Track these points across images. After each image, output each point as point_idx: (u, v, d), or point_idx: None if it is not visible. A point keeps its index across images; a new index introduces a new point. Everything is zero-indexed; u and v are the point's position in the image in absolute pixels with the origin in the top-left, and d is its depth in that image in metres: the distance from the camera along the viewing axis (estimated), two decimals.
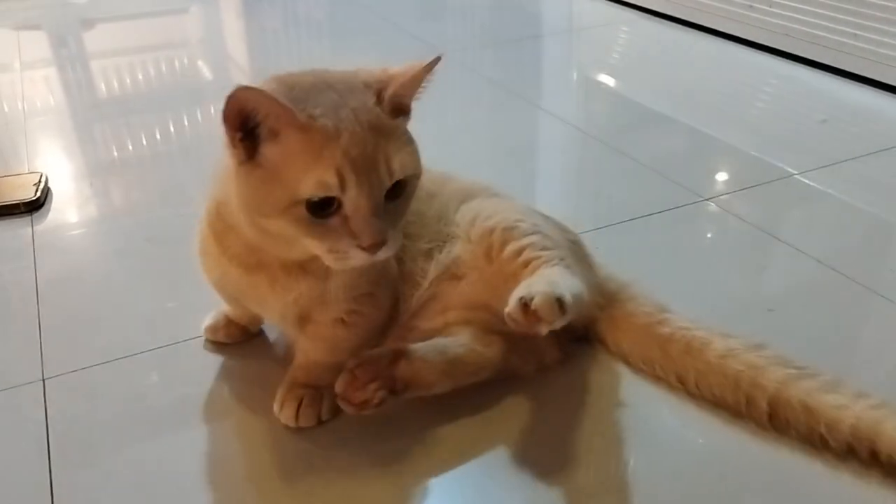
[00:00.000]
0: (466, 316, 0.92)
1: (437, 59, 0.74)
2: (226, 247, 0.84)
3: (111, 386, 0.97)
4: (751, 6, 2.10)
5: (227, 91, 0.68)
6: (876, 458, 0.80)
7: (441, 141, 1.61)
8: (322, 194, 0.70)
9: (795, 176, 1.45)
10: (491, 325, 0.89)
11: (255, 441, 0.88)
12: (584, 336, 0.99)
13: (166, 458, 0.87)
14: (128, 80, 2.16)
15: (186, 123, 1.89)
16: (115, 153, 1.71)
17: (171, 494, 0.82)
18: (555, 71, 2.20)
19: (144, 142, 1.75)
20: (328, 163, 0.69)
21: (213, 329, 1.03)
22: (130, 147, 1.73)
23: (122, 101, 2.05)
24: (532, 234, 0.91)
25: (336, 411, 0.88)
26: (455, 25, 2.64)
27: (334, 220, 0.72)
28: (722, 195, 1.40)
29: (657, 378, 0.94)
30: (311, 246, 0.74)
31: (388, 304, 0.92)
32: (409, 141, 0.76)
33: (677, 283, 1.12)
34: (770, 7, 2.05)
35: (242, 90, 0.68)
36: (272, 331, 1.05)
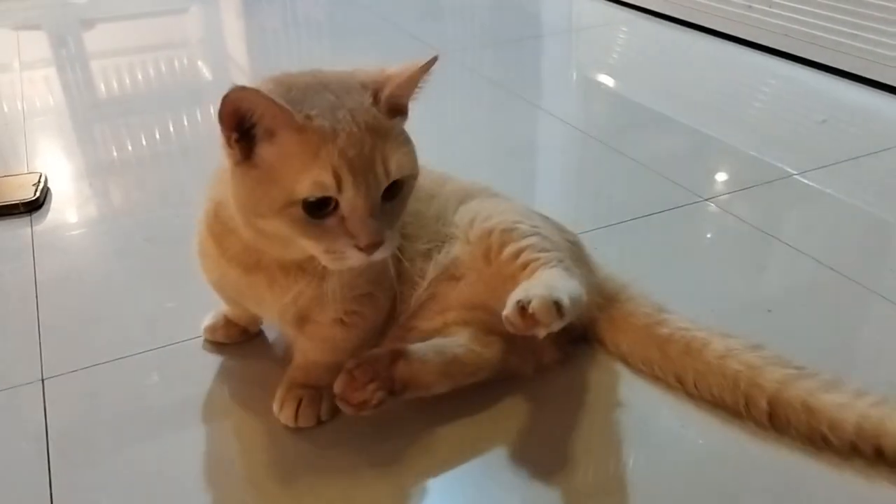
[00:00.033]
0: (465, 316, 0.92)
1: (434, 59, 0.74)
2: (225, 248, 0.84)
3: (110, 386, 0.97)
4: (750, 6, 2.10)
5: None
6: (881, 456, 0.80)
7: (441, 141, 1.62)
8: (319, 194, 0.70)
9: (795, 176, 1.45)
10: (490, 325, 0.89)
11: (255, 441, 0.88)
12: (583, 336, 0.99)
13: (166, 457, 0.87)
14: (127, 81, 2.16)
15: (186, 124, 1.89)
16: (115, 153, 1.71)
17: (171, 494, 0.82)
18: (554, 71, 2.20)
19: (144, 142, 1.75)
20: (325, 163, 0.69)
21: (212, 329, 1.03)
22: (130, 147, 1.73)
23: (121, 101, 2.05)
24: (531, 235, 0.91)
25: (335, 411, 0.88)
26: (455, 25, 2.64)
27: (331, 221, 0.72)
28: (721, 195, 1.40)
29: (656, 378, 0.94)
30: (308, 246, 0.74)
31: (387, 304, 0.92)
32: (406, 141, 0.76)
33: (676, 284, 1.12)
34: (769, 7, 2.05)
35: (238, 90, 0.68)
36: (271, 331, 1.05)
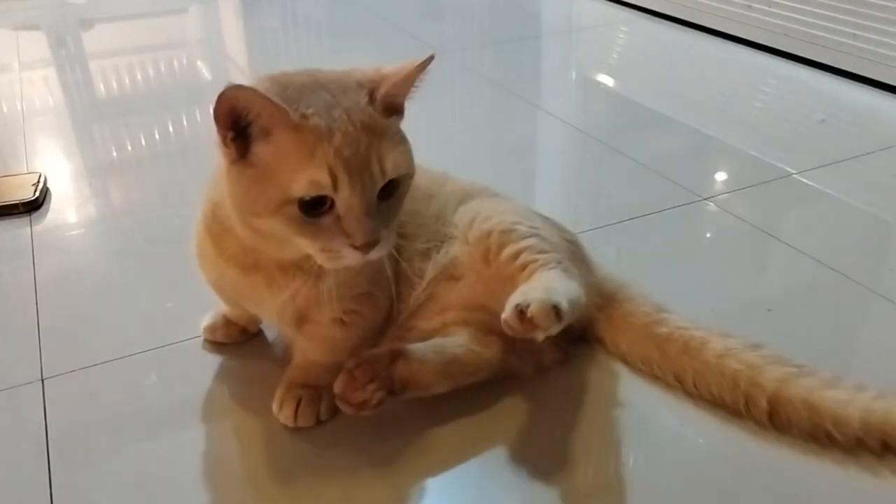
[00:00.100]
0: (464, 316, 0.92)
1: (430, 59, 0.74)
2: (223, 248, 0.84)
3: (110, 386, 0.97)
4: (749, 6, 2.10)
5: None
6: (888, 449, 0.81)
7: (441, 141, 1.62)
8: (314, 193, 0.70)
9: (794, 176, 1.45)
10: (489, 325, 0.89)
11: (254, 441, 0.88)
12: (582, 336, 0.99)
13: (165, 457, 0.87)
14: (127, 81, 2.16)
15: (185, 124, 1.89)
16: (114, 153, 1.71)
17: (170, 494, 0.82)
18: (554, 71, 2.20)
19: (143, 142, 1.75)
20: (321, 162, 0.69)
21: (211, 329, 1.03)
22: (129, 147, 1.73)
23: (121, 101, 2.06)
24: (529, 236, 0.91)
25: (335, 411, 0.88)
26: (455, 25, 2.64)
27: (327, 220, 0.72)
28: (721, 195, 1.40)
29: (655, 378, 0.94)
30: (304, 245, 0.74)
31: (385, 303, 0.92)
32: (402, 140, 0.76)
33: (676, 283, 1.12)
34: (769, 7, 2.05)
35: (233, 89, 0.68)
36: (271, 331, 1.05)
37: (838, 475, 0.81)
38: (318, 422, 0.89)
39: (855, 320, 1.08)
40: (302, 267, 0.82)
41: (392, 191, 0.75)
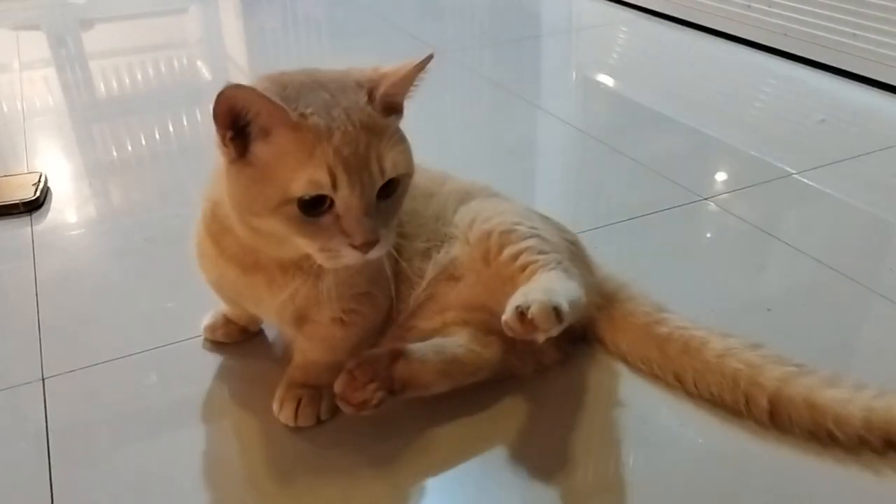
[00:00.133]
0: (464, 316, 0.92)
1: (429, 58, 0.74)
2: (223, 247, 0.84)
3: (110, 385, 0.97)
4: (749, 6, 2.11)
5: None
6: (891, 446, 0.81)
7: (441, 140, 1.62)
8: (314, 193, 0.70)
9: (794, 175, 1.45)
10: (489, 325, 0.89)
11: (254, 440, 0.88)
12: (582, 336, 0.99)
13: (165, 457, 0.87)
14: (127, 81, 2.16)
15: (185, 124, 1.89)
16: (115, 153, 1.71)
17: (170, 494, 0.82)
18: (554, 71, 2.20)
19: (143, 142, 1.75)
20: (320, 161, 0.69)
21: (211, 328, 1.03)
22: (129, 147, 1.73)
23: (121, 101, 2.06)
24: (530, 237, 0.91)
25: (335, 411, 0.88)
26: (455, 25, 2.64)
27: (326, 219, 0.72)
28: (721, 195, 1.40)
29: (655, 377, 0.94)
30: (303, 245, 0.74)
31: (385, 303, 0.92)
32: (402, 140, 0.76)
33: (676, 283, 1.12)
34: (769, 7, 2.05)
35: (232, 88, 0.68)
36: (271, 330, 1.05)
37: (840, 474, 0.81)
38: (319, 421, 0.89)
39: (855, 320, 1.08)
40: (301, 266, 0.82)
41: (391, 190, 0.75)
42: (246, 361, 1.01)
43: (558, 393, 0.93)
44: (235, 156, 0.72)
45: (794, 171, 1.46)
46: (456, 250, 0.94)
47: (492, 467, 0.84)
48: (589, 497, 0.81)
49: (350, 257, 0.73)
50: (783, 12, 2.02)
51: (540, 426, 0.89)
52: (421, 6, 2.82)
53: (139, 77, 2.19)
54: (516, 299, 0.78)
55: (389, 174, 0.73)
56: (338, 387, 0.83)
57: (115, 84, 2.14)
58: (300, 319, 0.89)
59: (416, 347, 0.87)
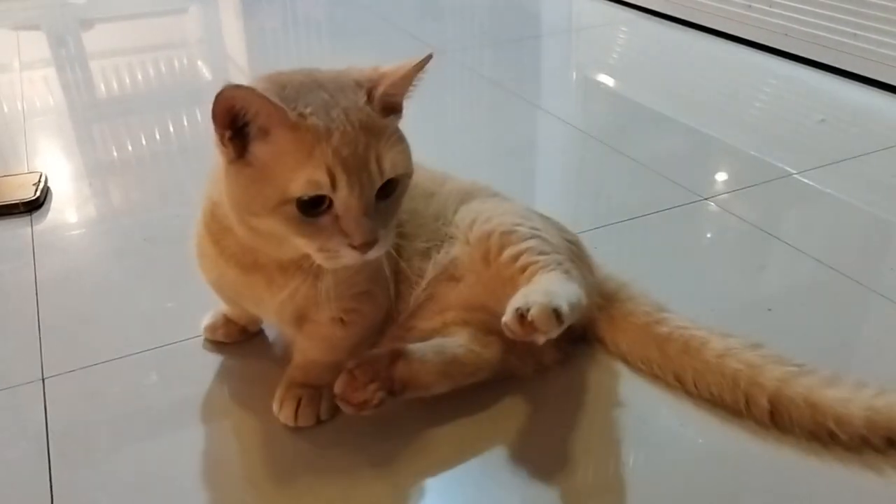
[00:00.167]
0: (465, 316, 0.92)
1: (429, 58, 0.74)
2: (222, 247, 0.84)
3: (110, 385, 0.97)
4: (749, 6, 2.11)
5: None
6: (892, 445, 0.81)
7: (441, 140, 1.62)
8: (313, 193, 0.70)
9: (795, 175, 1.45)
10: (489, 325, 0.89)
11: (254, 440, 0.88)
12: (582, 336, 0.99)
13: (165, 457, 0.87)
14: (127, 81, 2.16)
15: (186, 123, 1.89)
16: (115, 153, 1.71)
17: (170, 493, 0.82)
18: (554, 71, 2.20)
19: (144, 142, 1.75)
20: (319, 162, 0.69)
21: (211, 328, 1.03)
22: (130, 147, 1.73)
23: (121, 101, 2.06)
24: (530, 238, 0.91)
25: (335, 411, 0.88)
26: (455, 25, 2.64)
27: (325, 219, 0.72)
28: (721, 195, 1.40)
29: (655, 377, 0.94)
30: (302, 245, 0.74)
31: (386, 302, 0.92)
32: (400, 140, 0.76)
33: (676, 283, 1.12)
34: (769, 7, 2.05)
35: (231, 89, 0.68)
36: (271, 330, 1.05)
37: (841, 474, 0.81)
38: (319, 421, 0.89)
39: (855, 320, 1.08)
40: (301, 266, 0.82)
41: (390, 190, 0.75)
42: (246, 361, 1.01)
43: (558, 393, 0.93)
44: (234, 156, 0.72)
45: (794, 171, 1.46)
46: (456, 250, 0.94)
47: (492, 467, 0.84)
48: (589, 497, 0.81)
49: (349, 257, 0.73)
50: (783, 12, 2.02)
51: (540, 426, 0.89)
52: (421, 6, 2.82)
53: (139, 77, 2.19)
54: (516, 301, 0.78)
55: (388, 174, 0.73)
56: (338, 387, 0.83)
57: (115, 84, 2.14)
58: (300, 319, 0.89)
59: (417, 348, 0.87)
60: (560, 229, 1.01)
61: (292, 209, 0.71)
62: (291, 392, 0.89)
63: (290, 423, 0.88)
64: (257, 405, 0.92)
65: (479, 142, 1.70)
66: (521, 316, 0.76)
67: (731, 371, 0.87)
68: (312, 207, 0.71)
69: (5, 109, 1.94)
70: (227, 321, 1.03)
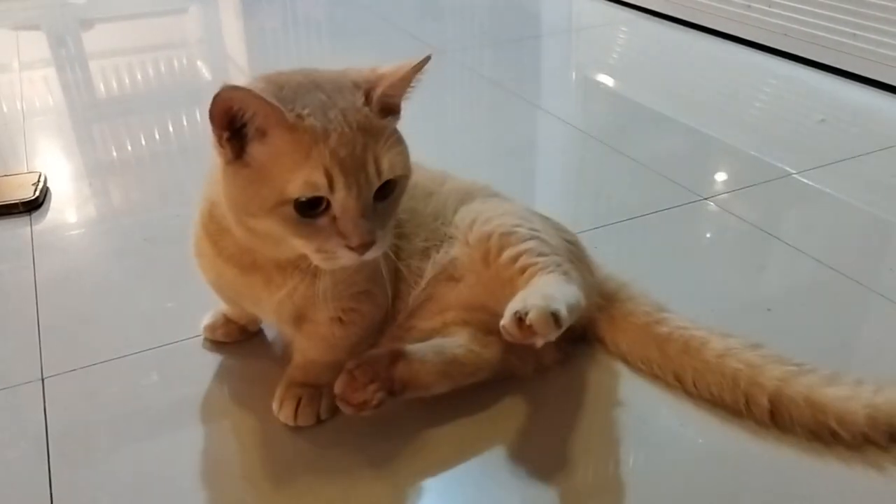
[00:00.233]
0: (464, 317, 0.92)
1: (427, 59, 0.74)
2: (221, 248, 0.84)
3: (110, 385, 0.97)
4: (749, 6, 2.11)
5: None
6: (894, 441, 0.81)
7: (441, 140, 1.62)
8: (310, 194, 0.70)
9: (794, 175, 1.45)
10: (489, 325, 0.89)
11: (254, 440, 0.88)
12: (582, 336, 0.99)
13: (165, 457, 0.87)
14: (127, 81, 2.16)
15: (185, 124, 1.89)
16: (114, 153, 1.71)
17: (170, 493, 0.82)
18: (554, 71, 2.20)
19: (143, 142, 1.75)
20: (316, 163, 0.69)
21: (211, 328, 1.03)
22: (129, 147, 1.73)
23: (120, 101, 2.06)
24: (529, 239, 0.91)
25: (335, 410, 0.88)
26: (455, 25, 2.64)
27: (323, 220, 0.72)
28: (721, 194, 1.40)
29: (655, 377, 0.94)
30: (299, 245, 0.74)
31: (385, 302, 0.92)
32: (399, 141, 0.76)
33: (676, 283, 1.12)
34: (769, 7, 2.05)
35: (229, 89, 0.68)
36: (271, 330, 1.05)
37: (842, 473, 0.81)
38: (319, 421, 0.89)
39: (855, 320, 1.08)
40: (299, 266, 0.82)
41: (388, 192, 0.75)
42: (246, 361, 1.01)
43: (558, 393, 0.93)
44: (232, 157, 0.72)
45: (794, 171, 1.46)
46: (455, 251, 0.94)
47: (492, 467, 0.84)
48: (589, 497, 0.81)
49: (346, 258, 0.73)
50: (783, 12, 2.02)
51: (540, 426, 0.89)
52: (421, 6, 2.82)
53: (139, 77, 2.19)
54: (515, 305, 0.78)
55: (386, 176, 0.73)
56: (338, 387, 0.83)
57: (115, 84, 2.14)
58: (299, 319, 0.89)
59: (416, 348, 0.87)
60: (559, 230, 1.01)
61: (290, 210, 0.71)
62: (291, 391, 0.89)
63: (290, 422, 0.88)
64: (257, 405, 0.92)
65: (479, 142, 1.70)
66: (520, 320, 0.76)
67: (731, 371, 0.87)
68: (310, 209, 0.71)
69: (5, 109, 1.94)
70: (227, 321, 1.03)
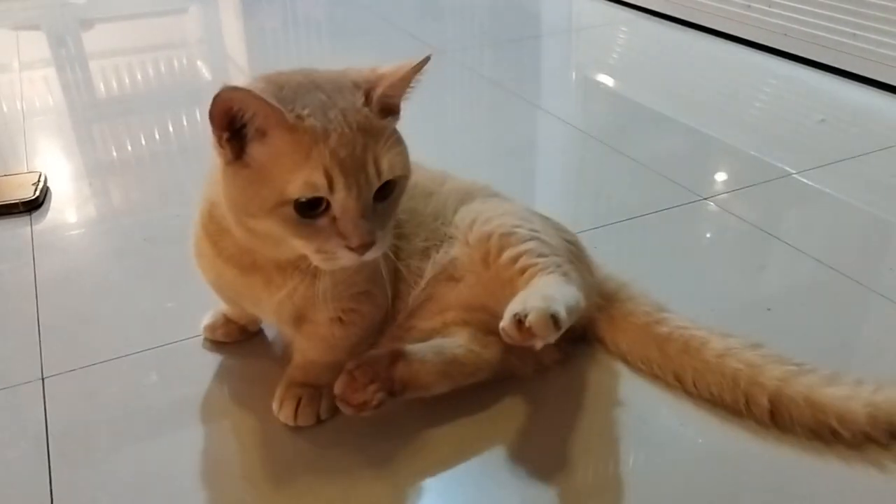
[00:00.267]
0: (464, 317, 0.92)
1: (427, 59, 0.74)
2: (221, 248, 0.84)
3: (110, 385, 0.97)
4: (749, 6, 2.11)
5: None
6: (895, 438, 0.81)
7: (441, 141, 1.62)
8: (310, 195, 0.70)
9: (794, 175, 1.45)
10: (489, 325, 0.89)
11: (254, 440, 0.88)
12: (582, 336, 0.99)
13: (165, 456, 0.87)
14: (127, 81, 2.16)
15: (185, 124, 1.89)
16: (114, 153, 1.71)
17: (170, 493, 0.82)
18: (554, 71, 2.20)
19: (143, 142, 1.75)
20: (316, 163, 0.69)
21: (211, 328, 1.03)
22: (129, 147, 1.73)
23: (121, 101, 2.06)
24: (529, 240, 0.91)
25: (334, 410, 0.88)
26: (455, 25, 2.64)
27: (322, 221, 0.72)
28: (721, 194, 1.40)
29: (655, 377, 0.94)
30: (299, 246, 0.74)
31: (384, 302, 0.92)
32: (398, 141, 0.76)
33: (676, 283, 1.12)
34: (769, 7, 2.05)
35: (229, 90, 0.68)
36: (271, 330, 1.05)
37: (843, 472, 0.81)
38: (319, 421, 0.89)
39: (855, 320, 1.08)
40: (299, 266, 0.82)
41: (388, 192, 0.75)
42: (246, 361, 1.01)
43: (558, 393, 0.93)
44: (232, 157, 0.72)
45: (794, 171, 1.46)
46: (455, 251, 0.94)
47: (492, 467, 0.84)
48: (589, 497, 0.81)
49: (346, 259, 0.73)
50: (783, 12, 2.02)
51: (540, 426, 0.89)
52: (421, 6, 2.82)
53: (139, 77, 2.19)
54: (514, 306, 0.78)
55: (386, 176, 0.73)
56: (338, 388, 0.83)
57: (115, 84, 2.14)
58: (299, 319, 0.89)
59: (416, 348, 0.87)
60: (559, 230, 1.01)
61: (290, 211, 0.71)
62: (291, 392, 0.89)
63: (290, 422, 0.88)
64: (257, 405, 0.92)
65: (479, 142, 1.70)
66: (519, 322, 0.76)
67: (731, 371, 0.87)
68: (310, 209, 0.71)
69: (5, 109, 1.94)
70: (227, 321, 1.03)
